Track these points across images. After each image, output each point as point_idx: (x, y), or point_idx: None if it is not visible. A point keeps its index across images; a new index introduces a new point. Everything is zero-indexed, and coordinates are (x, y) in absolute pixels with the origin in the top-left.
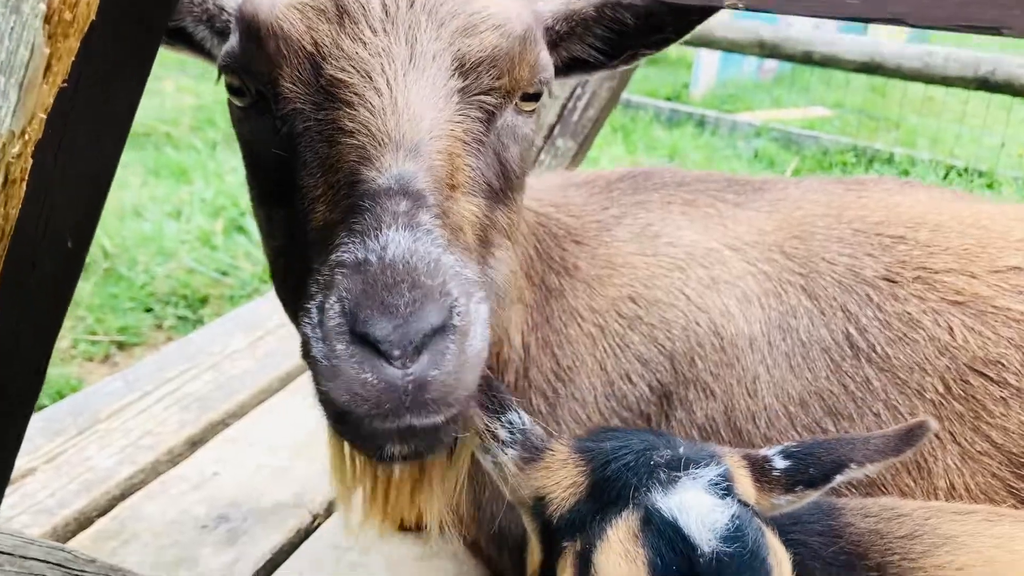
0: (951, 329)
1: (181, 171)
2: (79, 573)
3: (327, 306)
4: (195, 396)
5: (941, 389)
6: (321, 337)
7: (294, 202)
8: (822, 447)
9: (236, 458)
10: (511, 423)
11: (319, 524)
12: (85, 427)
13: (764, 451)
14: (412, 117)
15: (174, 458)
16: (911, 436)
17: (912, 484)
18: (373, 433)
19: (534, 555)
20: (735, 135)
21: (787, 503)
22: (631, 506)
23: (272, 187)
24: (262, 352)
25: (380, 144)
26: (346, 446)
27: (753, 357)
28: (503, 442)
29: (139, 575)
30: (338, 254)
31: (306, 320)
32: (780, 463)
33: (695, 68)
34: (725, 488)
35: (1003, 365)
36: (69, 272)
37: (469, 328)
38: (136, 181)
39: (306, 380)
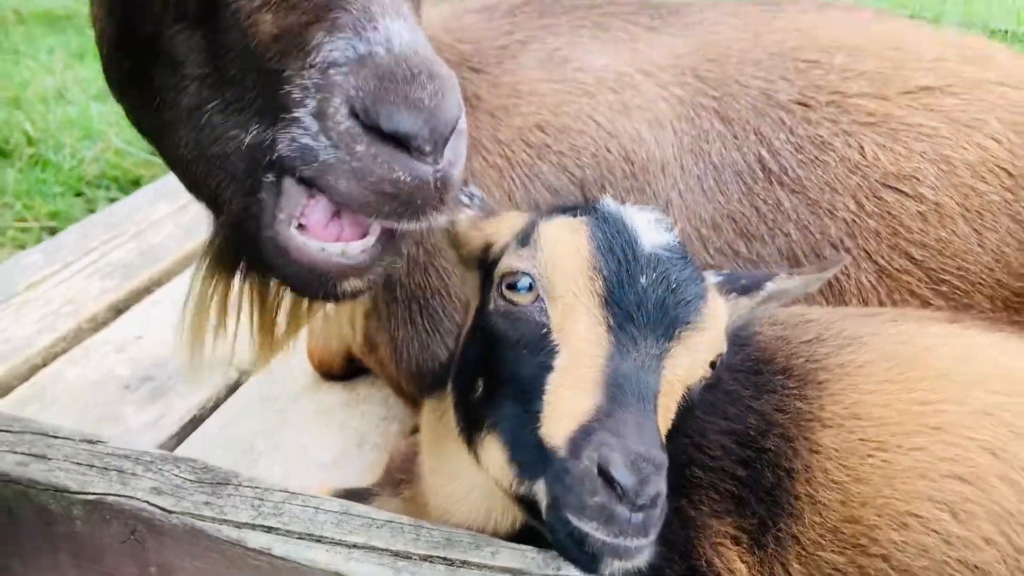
0: (862, 148)
1: None
2: None
3: (330, 110)
4: (117, 264)
5: (853, 207)
6: (330, 143)
7: (218, 19)
8: (751, 272)
9: (160, 321)
10: (471, 193)
11: (246, 380)
12: (2, 300)
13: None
14: None
15: (96, 325)
16: (830, 263)
17: (823, 303)
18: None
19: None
20: None
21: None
22: (576, 212)
23: (178, 7)
24: (186, 220)
25: None
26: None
27: (665, 182)
28: (461, 204)
29: (43, 424)
30: (324, 54)
31: (295, 131)
32: (712, 277)
33: None
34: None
35: (917, 179)
36: None
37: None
38: (59, 65)
39: None
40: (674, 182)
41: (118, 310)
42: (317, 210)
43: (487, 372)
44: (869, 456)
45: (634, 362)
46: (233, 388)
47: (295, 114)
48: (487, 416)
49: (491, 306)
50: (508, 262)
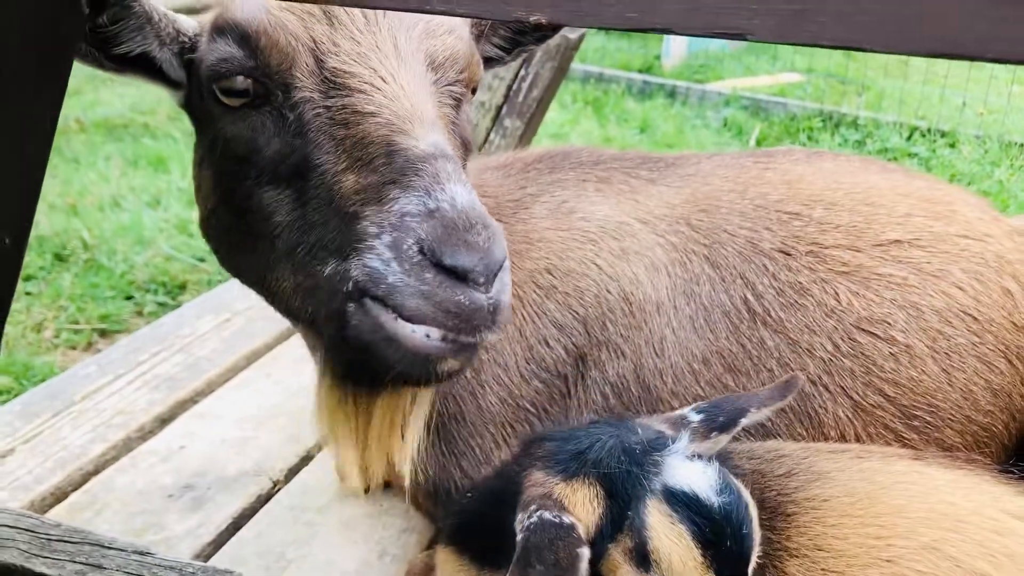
0: (837, 294)
1: (159, 160)
2: (46, 535)
3: (404, 246)
4: (165, 376)
5: (830, 347)
6: (404, 270)
7: (307, 179)
8: (724, 401)
9: (202, 432)
10: None
11: (279, 489)
12: (60, 409)
13: (679, 411)
14: (419, 100)
15: (144, 435)
16: (787, 386)
17: (804, 434)
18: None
19: None
20: (705, 105)
21: (706, 450)
22: (647, 495)
23: (273, 172)
24: (229, 333)
25: (408, 120)
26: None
27: (660, 320)
28: None
29: (99, 535)
30: (400, 205)
31: (367, 257)
32: (695, 417)
33: (666, 40)
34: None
35: (888, 324)
36: (7, 270)
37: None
38: (115, 173)
39: (271, 357)
40: (668, 320)
41: (163, 420)
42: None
43: None
44: None
45: None
46: (266, 499)
47: (370, 243)
48: None
49: None
50: None
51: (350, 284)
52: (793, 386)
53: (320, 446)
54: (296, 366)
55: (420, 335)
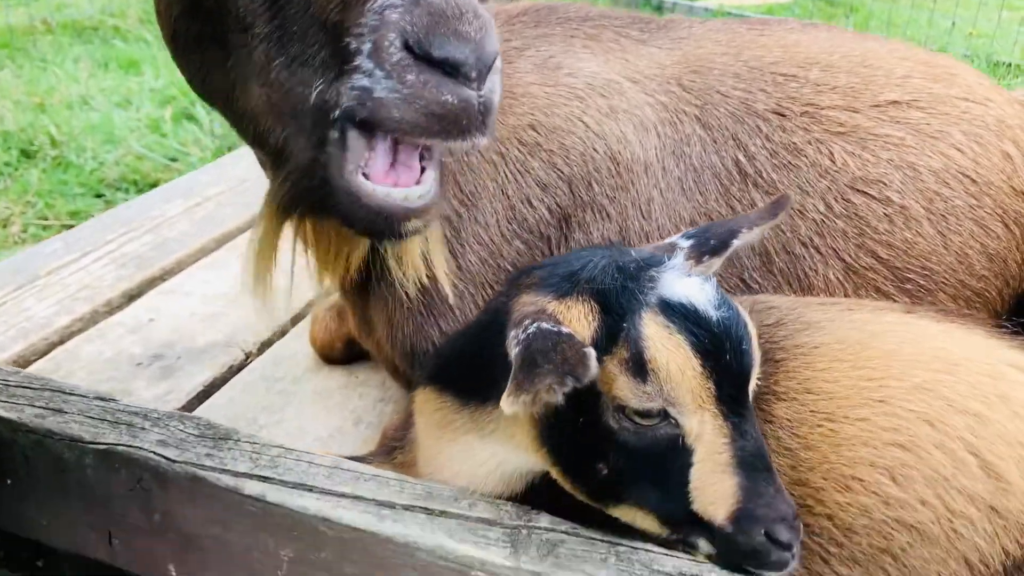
0: (832, 155)
1: (130, 63)
2: (3, 381)
3: (384, 43)
4: (132, 255)
5: (822, 208)
6: (384, 75)
7: None
8: (713, 225)
9: (171, 307)
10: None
11: (251, 361)
12: (24, 283)
13: (669, 239)
14: None
15: (111, 309)
16: (778, 204)
17: (792, 295)
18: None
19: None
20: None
21: (699, 274)
22: (643, 308)
23: None
24: (199, 216)
25: None
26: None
27: (647, 181)
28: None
29: (61, 382)
30: (381, 1)
31: (355, 78)
32: (684, 242)
33: None
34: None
35: (884, 184)
36: None
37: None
38: (84, 74)
39: (244, 239)
40: (656, 181)
41: (131, 296)
42: (377, 161)
43: (611, 463)
44: (818, 426)
45: (750, 437)
46: (238, 368)
47: (355, 63)
48: (624, 494)
49: (610, 421)
50: (635, 402)
51: (337, 112)
52: (783, 204)
53: (295, 320)
54: None
55: (381, 194)
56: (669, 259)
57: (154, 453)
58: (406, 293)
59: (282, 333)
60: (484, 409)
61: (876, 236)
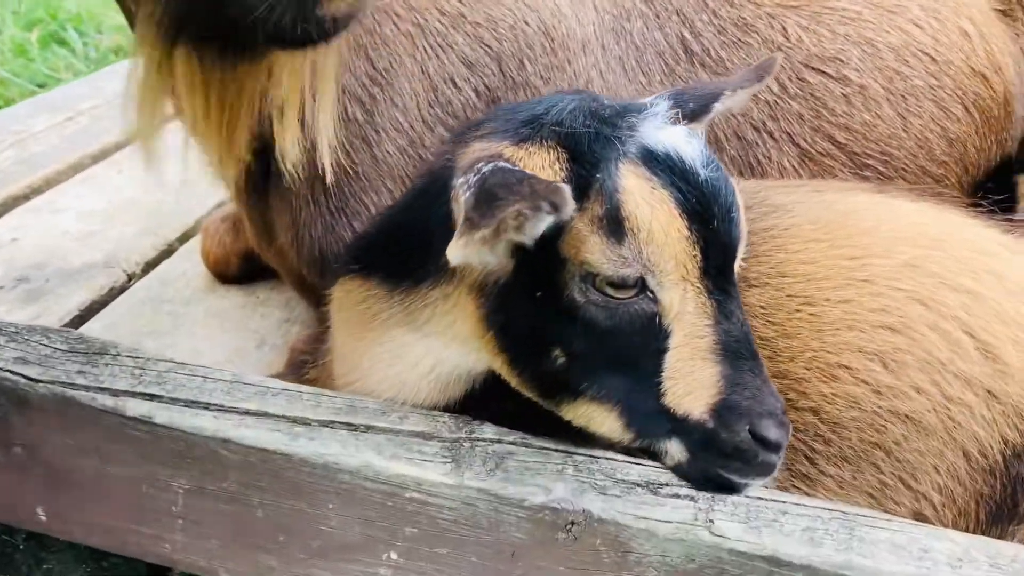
0: (784, 30)
1: None
2: None
3: None
4: None
5: (776, 89)
6: None
7: None
8: (694, 88)
9: (39, 225)
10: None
11: (135, 283)
12: None
13: (643, 100)
14: None
15: None
16: (764, 66)
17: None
18: None
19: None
20: None
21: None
22: (621, 157)
23: None
24: (71, 131)
25: None
26: None
27: (586, 60)
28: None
29: None
30: None
31: None
32: (661, 103)
33: None
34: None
35: (842, 61)
36: None
37: None
38: None
39: (123, 155)
40: (595, 61)
41: None
42: None
43: (570, 348)
44: (796, 311)
45: (736, 320)
46: (119, 291)
47: None
48: (584, 387)
49: (575, 295)
50: (609, 267)
51: None
52: (770, 67)
53: (184, 238)
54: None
55: None
56: (651, 107)
57: (11, 372)
58: (312, 190)
59: (169, 252)
60: (418, 292)
61: (833, 119)
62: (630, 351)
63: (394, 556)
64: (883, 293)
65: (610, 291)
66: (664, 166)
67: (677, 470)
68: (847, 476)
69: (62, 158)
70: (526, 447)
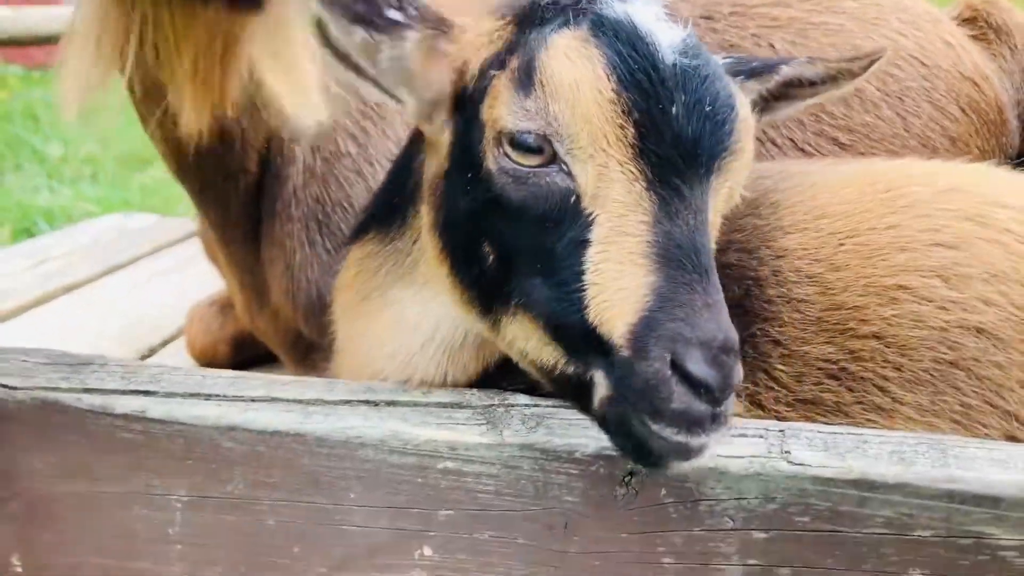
0: (772, 45)
1: None
2: None
3: None
4: None
5: None
6: None
7: None
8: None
9: None
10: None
11: None
12: None
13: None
14: None
15: None
16: (868, 60)
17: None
18: None
19: (433, 167)
20: None
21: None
22: (568, 22)
23: None
24: None
25: None
26: None
27: None
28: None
29: None
30: None
31: None
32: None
33: None
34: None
35: None
36: None
37: None
38: None
39: None
40: None
41: None
42: None
43: (496, 240)
44: (840, 244)
45: (683, 222)
46: None
47: None
48: (512, 291)
49: (490, 164)
50: (511, 120)
51: None
52: (876, 59)
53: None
54: None
55: None
56: None
57: None
58: (307, 230)
59: (150, 352)
60: (402, 237)
61: (833, 121)
62: (549, 239)
63: (428, 551)
64: (930, 214)
65: (516, 155)
66: (610, 30)
67: (595, 415)
68: (925, 401)
69: None
70: (567, 408)
